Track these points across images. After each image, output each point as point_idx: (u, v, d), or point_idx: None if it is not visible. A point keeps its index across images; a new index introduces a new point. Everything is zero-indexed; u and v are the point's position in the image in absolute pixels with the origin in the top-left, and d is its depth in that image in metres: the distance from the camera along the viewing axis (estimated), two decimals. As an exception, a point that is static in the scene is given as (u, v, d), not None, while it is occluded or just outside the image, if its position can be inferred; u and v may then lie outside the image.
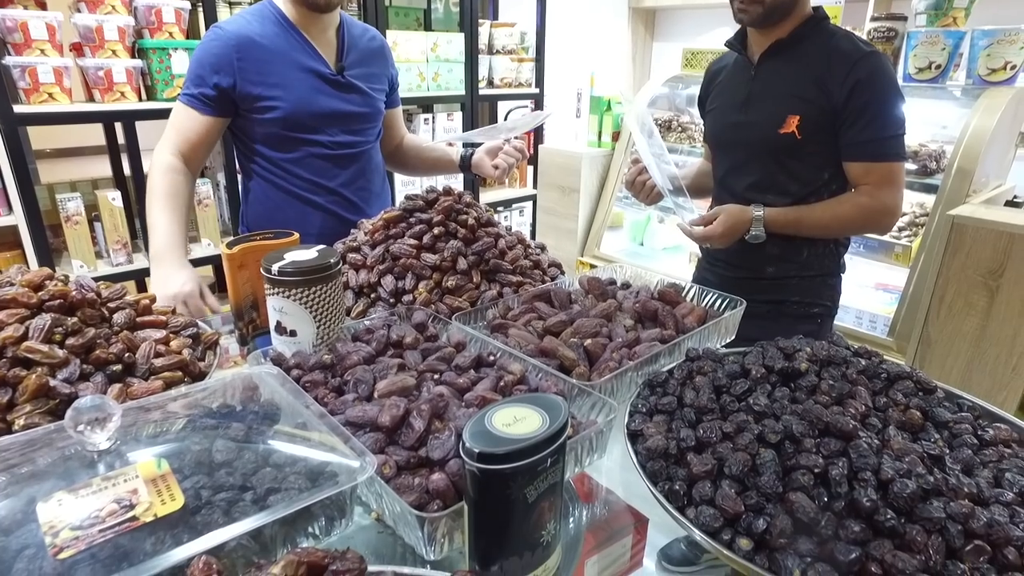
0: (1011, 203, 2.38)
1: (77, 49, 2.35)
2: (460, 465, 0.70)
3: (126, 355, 0.89)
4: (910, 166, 2.32)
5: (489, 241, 1.30)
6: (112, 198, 2.39)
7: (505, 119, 3.87)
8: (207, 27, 2.46)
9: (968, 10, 2.35)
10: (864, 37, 2.07)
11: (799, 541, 0.63)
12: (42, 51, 2.20)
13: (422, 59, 3.12)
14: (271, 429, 0.77)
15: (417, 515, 0.63)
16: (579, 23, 4.22)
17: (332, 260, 1.01)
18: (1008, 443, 0.82)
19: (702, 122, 3.33)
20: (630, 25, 4.30)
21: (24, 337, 0.83)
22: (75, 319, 0.89)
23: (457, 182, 3.40)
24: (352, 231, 1.41)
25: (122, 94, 2.35)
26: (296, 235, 1.20)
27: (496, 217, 1.43)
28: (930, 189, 2.27)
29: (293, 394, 0.82)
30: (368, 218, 1.44)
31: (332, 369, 0.93)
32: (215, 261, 2.67)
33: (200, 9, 2.47)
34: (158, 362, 0.91)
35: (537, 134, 3.80)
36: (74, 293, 0.91)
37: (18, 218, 2.24)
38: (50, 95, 2.22)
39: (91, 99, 2.37)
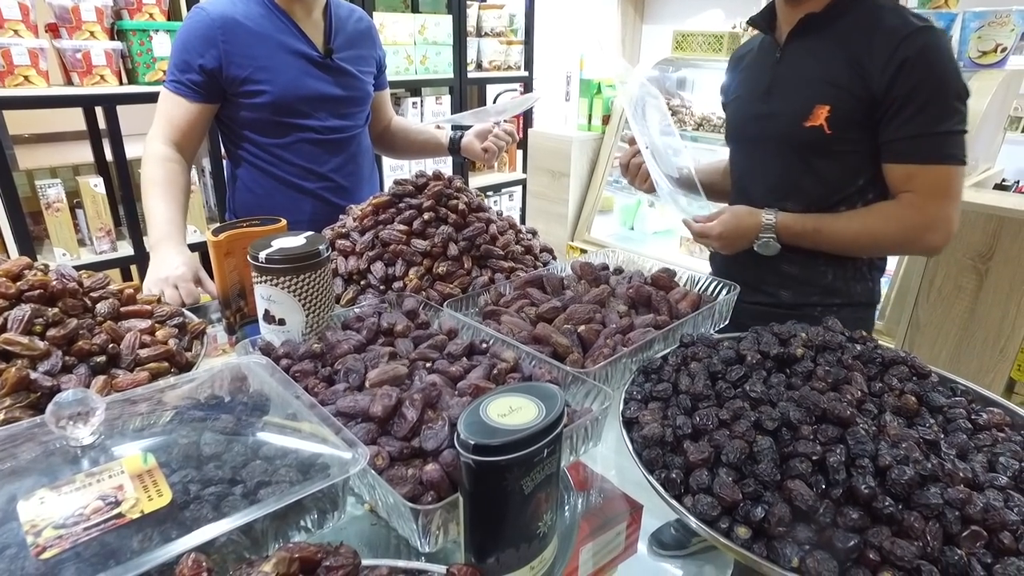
0: (1000, 186, 2.39)
1: (53, 30, 2.28)
2: (454, 456, 0.69)
3: (110, 346, 0.87)
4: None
5: (480, 226, 1.28)
6: (95, 185, 2.34)
7: (494, 102, 3.83)
8: (188, 8, 2.40)
9: (960, -9, 2.34)
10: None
11: (797, 529, 0.63)
12: (15, 32, 2.13)
13: (409, 42, 3.06)
14: (260, 421, 0.76)
15: (411, 507, 0.62)
16: (568, 5, 4.17)
17: (321, 247, 0.99)
18: (1001, 427, 0.82)
19: (692, 106, 3.32)
20: (619, 7, 4.25)
21: (2, 329, 0.81)
22: (56, 309, 0.86)
23: (446, 166, 3.36)
24: (341, 217, 1.39)
25: (102, 77, 2.29)
26: (283, 221, 1.18)
27: (486, 202, 1.40)
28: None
29: (283, 384, 0.80)
30: (357, 203, 1.41)
31: (322, 358, 0.91)
32: (200, 248, 2.63)
33: (181, -11, 2.41)
34: (143, 353, 0.89)
35: (526, 118, 3.76)
36: (54, 283, 0.89)
37: (-4, 205, 2.19)
38: (25, 78, 2.15)
39: (69, 82, 2.31)
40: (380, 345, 0.95)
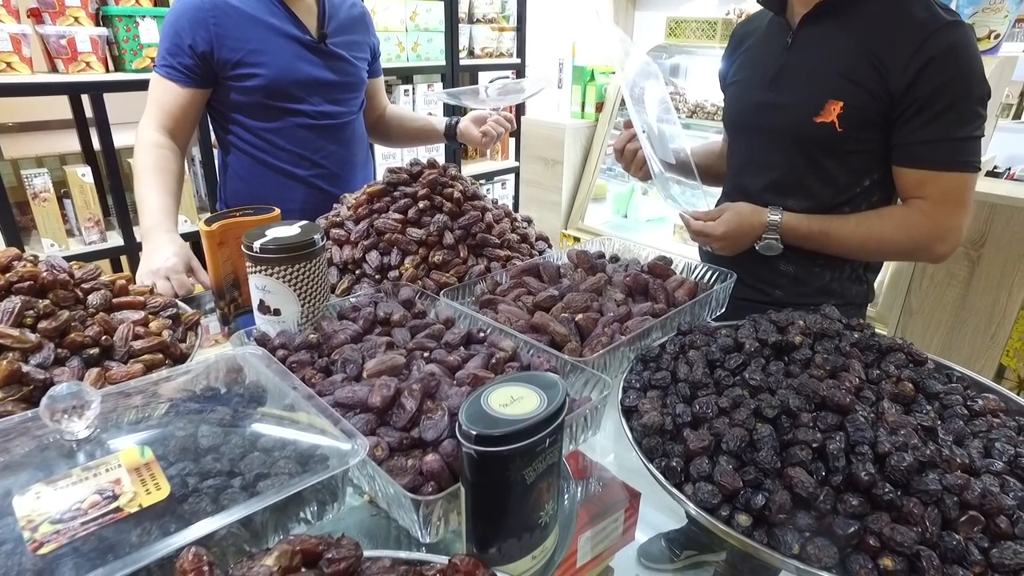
0: (992, 173, 2.40)
1: (35, 15, 2.23)
2: (454, 446, 0.69)
3: (103, 338, 0.86)
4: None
5: (475, 215, 1.27)
6: (82, 174, 2.31)
7: (486, 88, 3.79)
8: (175, -8, 2.35)
9: (954, -23, 2.33)
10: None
11: (798, 516, 0.63)
12: (-4, 17, 2.09)
13: (401, 28, 3.03)
14: (258, 412, 0.75)
15: (412, 498, 0.61)
16: (561, -10, 4.13)
17: (316, 236, 0.98)
18: (996, 413, 0.82)
19: (686, 93, 3.31)
20: (612, -8, 4.21)
21: (-7, 321, 0.80)
22: (47, 301, 0.85)
23: (438, 153, 3.34)
24: (335, 206, 1.38)
25: (87, 64, 2.24)
26: (277, 211, 1.16)
27: (480, 190, 1.39)
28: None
29: (279, 375, 0.79)
30: (351, 191, 1.40)
31: (318, 349, 0.91)
32: (192, 238, 2.60)
33: (168, -27, 2.36)
34: (137, 345, 0.88)
35: (519, 105, 3.74)
36: (44, 274, 0.87)
37: (-19, 195, 2.15)
38: (8, 64, 2.11)
39: (54, 70, 2.26)
40: (377, 335, 0.94)
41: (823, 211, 1.21)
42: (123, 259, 2.49)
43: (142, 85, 2.28)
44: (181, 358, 0.92)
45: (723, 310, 1.17)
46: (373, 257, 1.19)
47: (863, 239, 1.16)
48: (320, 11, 1.52)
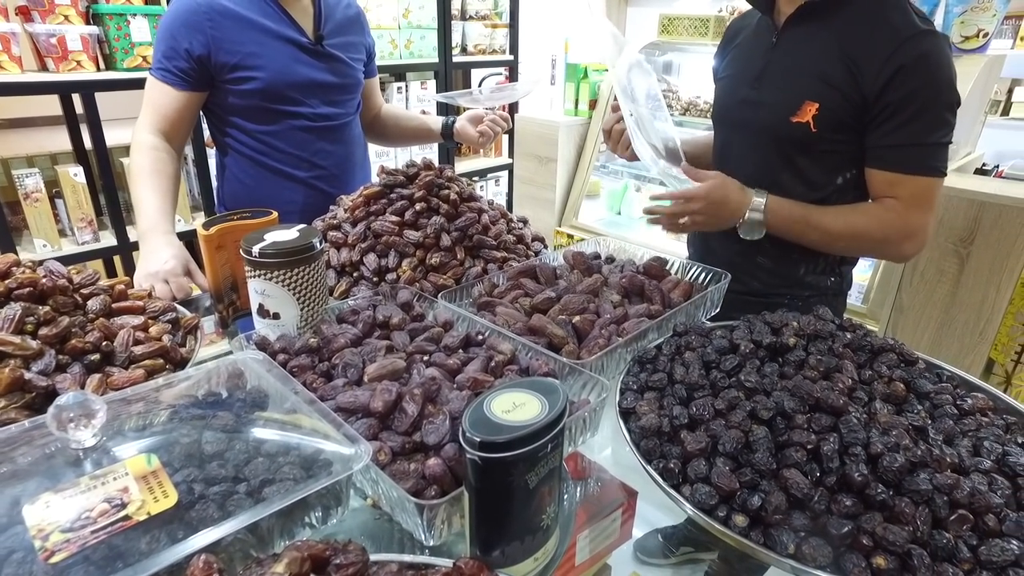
0: (980, 171, 2.42)
1: (24, 13, 2.21)
2: (455, 449, 0.70)
3: (103, 344, 0.86)
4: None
5: (472, 216, 1.28)
6: (74, 174, 2.29)
7: (479, 87, 3.79)
8: (167, -9, 2.34)
9: (944, -24, 2.35)
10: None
11: (793, 517, 0.64)
12: (-16, 15, 2.07)
13: (394, 26, 3.02)
14: (260, 417, 0.76)
15: (416, 503, 0.62)
16: (553, -14, 4.13)
17: (314, 240, 0.99)
18: (985, 412, 0.84)
19: (679, 90, 3.31)
20: (605, -12, 4.21)
21: (-7, 328, 0.80)
22: (47, 308, 0.85)
23: (432, 150, 3.34)
24: (331, 208, 1.38)
25: (78, 63, 2.23)
26: (275, 214, 1.17)
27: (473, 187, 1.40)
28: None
29: (280, 380, 0.80)
30: (351, 192, 1.40)
31: (319, 353, 0.91)
32: (186, 238, 2.60)
33: (159, -29, 2.35)
34: (138, 350, 0.88)
35: (512, 103, 3.74)
36: (44, 280, 0.87)
37: (-28, 195, 2.14)
38: (-2, 64, 2.09)
39: (44, 68, 2.25)
40: (376, 338, 0.95)
41: None
42: (116, 259, 2.48)
43: (134, 84, 2.28)
44: (181, 362, 0.93)
45: (718, 310, 1.19)
46: (371, 259, 1.20)
47: (840, 229, 1.19)
48: (316, 12, 1.52)
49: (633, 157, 1.32)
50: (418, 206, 1.25)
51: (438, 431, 0.72)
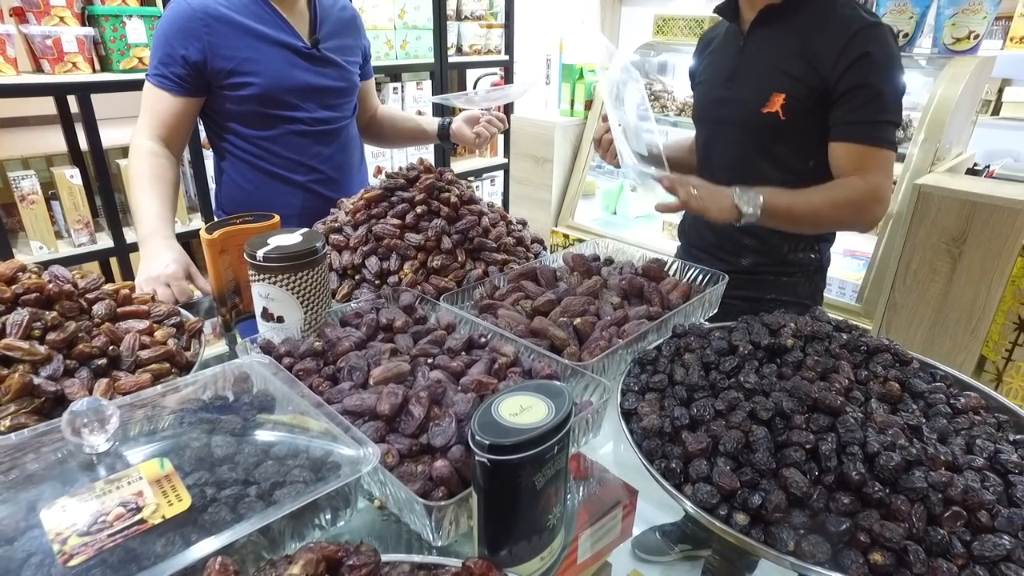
0: (972, 171, 2.45)
1: (19, 15, 2.21)
2: (462, 451, 0.71)
3: (110, 348, 0.87)
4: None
5: (473, 219, 1.29)
6: (70, 176, 2.29)
7: (474, 88, 3.80)
8: (163, -8, 2.34)
9: (935, -22, 2.37)
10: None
11: (793, 515, 0.66)
12: (-21, 17, 2.06)
13: (390, 26, 3.02)
14: (268, 421, 0.77)
15: (425, 504, 0.64)
16: (548, -14, 4.13)
17: (317, 244, 1.00)
18: (977, 410, 0.86)
19: (674, 91, 3.33)
20: (599, -11, 4.22)
21: (1, 334, 0.80)
22: (54, 313, 0.86)
23: (428, 152, 3.35)
24: (332, 211, 1.39)
25: (74, 65, 2.22)
26: (277, 218, 1.17)
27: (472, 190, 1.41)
28: (897, 158, 2.31)
29: (287, 383, 0.81)
30: (347, 195, 1.41)
31: (324, 356, 0.92)
32: (183, 240, 2.59)
33: (154, -27, 2.34)
34: (144, 354, 0.89)
35: (507, 103, 3.74)
36: (50, 285, 0.88)
37: (-32, 198, 2.13)
38: (-6, 66, 2.09)
39: (39, 70, 2.24)
40: (380, 341, 0.96)
41: None
42: (113, 261, 2.48)
43: (129, 86, 2.28)
44: (187, 366, 0.94)
45: (715, 311, 1.20)
46: (372, 262, 1.21)
47: (820, 203, 1.26)
48: (311, 16, 1.53)
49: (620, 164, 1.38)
50: (419, 209, 1.26)
51: (444, 433, 0.73)
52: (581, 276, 1.20)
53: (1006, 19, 2.89)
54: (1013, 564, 0.62)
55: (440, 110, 3.19)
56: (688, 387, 0.85)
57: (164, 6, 2.33)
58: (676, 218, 2.31)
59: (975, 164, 2.53)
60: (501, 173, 3.82)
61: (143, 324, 0.95)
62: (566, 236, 3.33)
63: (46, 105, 2.73)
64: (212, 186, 2.42)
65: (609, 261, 1.31)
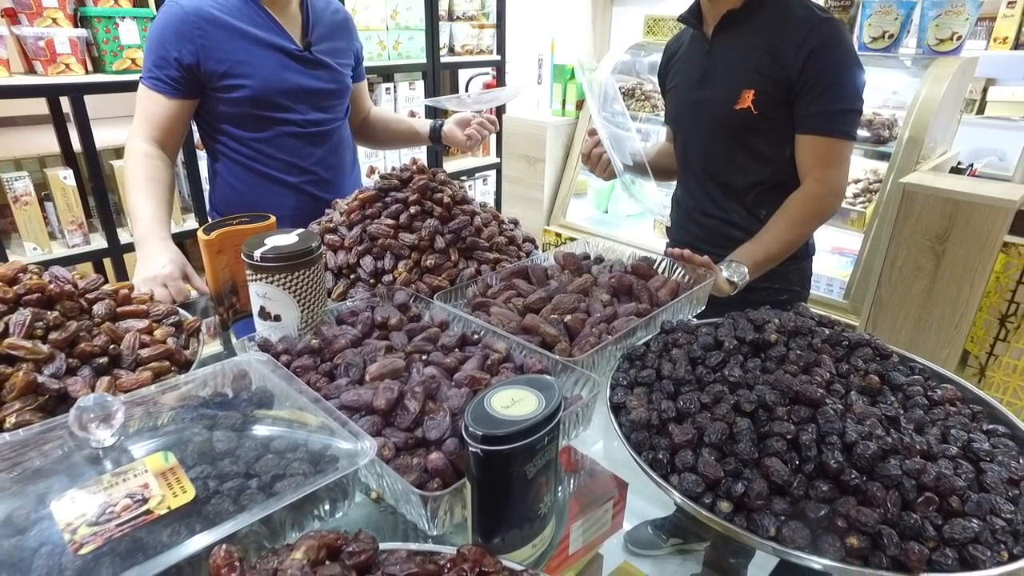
0: (955, 169, 2.50)
1: (10, 15, 2.21)
2: (456, 444, 0.74)
3: (111, 347, 0.89)
4: (864, 133, 2.41)
5: (465, 219, 1.31)
6: (64, 177, 2.29)
7: (466, 89, 3.82)
8: (156, -6, 2.35)
9: (919, -21, 2.41)
10: (821, 4, 2.01)
11: (774, 502, 0.69)
12: (-29, 18, 2.06)
13: (382, 27, 3.04)
14: (267, 416, 0.79)
15: (420, 494, 0.66)
16: (539, -13, 4.16)
17: (314, 244, 1.02)
18: (953, 402, 0.90)
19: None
20: (590, -11, 4.25)
21: (4, 334, 0.82)
22: (55, 313, 0.87)
23: (421, 152, 3.36)
24: (327, 211, 1.41)
25: (67, 66, 2.23)
26: (273, 218, 1.19)
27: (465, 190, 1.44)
28: (883, 156, 2.36)
29: (285, 380, 0.83)
30: (340, 196, 1.43)
31: (320, 353, 0.95)
32: (177, 239, 2.60)
33: (147, -26, 2.35)
34: (144, 353, 0.91)
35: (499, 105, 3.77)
36: (51, 286, 0.90)
37: (-40, 199, 2.14)
38: (-15, 67, 2.09)
39: (32, 71, 2.25)
40: (376, 339, 0.99)
41: (757, 182, 1.45)
42: (107, 262, 2.48)
43: (123, 87, 2.29)
44: (186, 364, 0.96)
45: (703, 307, 1.23)
46: (367, 262, 1.23)
47: (786, 231, 1.37)
48: (304, 19, 1.54)
49: (610, 176, 1.50)
50: (412, 209, 1.28)
51: (439, 427, 0.76)
52: (572, 274, 1.23)
53: (989, 20, 2.94)
54: (980, 545, 0.65)
55: (432, 112, 3.21)
56: (675, 381, 0.88)
57: (157, 8, 2.35)
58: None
59: (959, 163, 2.58)
60: (493, 173, 3.84)
61: (143, 323, 0.97)
62: (558, 235, 3.36)
63: (38, 106, 2.73)
64: (206, 187, 2.43)
65: (599, 259, 1.34)
